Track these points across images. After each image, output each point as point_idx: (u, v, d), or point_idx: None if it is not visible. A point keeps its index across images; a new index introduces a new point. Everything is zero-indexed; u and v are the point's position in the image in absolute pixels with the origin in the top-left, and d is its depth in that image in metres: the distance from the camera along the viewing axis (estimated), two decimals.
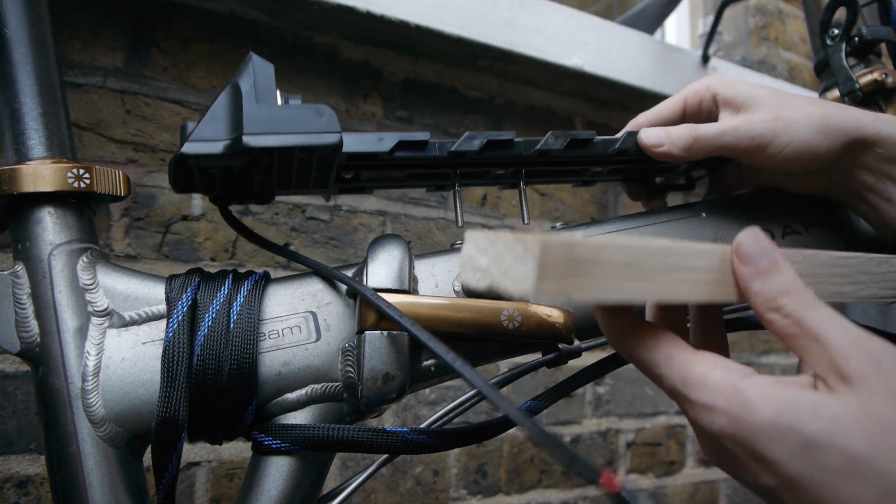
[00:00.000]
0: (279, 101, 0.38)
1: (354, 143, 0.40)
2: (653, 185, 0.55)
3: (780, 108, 0.42)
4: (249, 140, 0.36)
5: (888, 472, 0.24)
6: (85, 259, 0.40)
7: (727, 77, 0.46)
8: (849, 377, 0.26)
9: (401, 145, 0.41)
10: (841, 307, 1.29)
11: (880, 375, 0.25)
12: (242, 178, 0.41)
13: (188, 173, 0.39)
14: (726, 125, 0.42)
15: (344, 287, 0.42)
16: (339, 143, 0.37)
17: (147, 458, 0.38)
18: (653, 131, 0.44)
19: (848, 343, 0.26)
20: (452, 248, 0.44)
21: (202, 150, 0.36)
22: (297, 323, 0.40)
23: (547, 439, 0.27)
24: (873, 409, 0.25)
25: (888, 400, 0.25)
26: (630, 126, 0.49)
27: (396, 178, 0.46)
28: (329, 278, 0.42)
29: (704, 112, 0.46)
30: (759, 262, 0.29)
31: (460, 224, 0.45)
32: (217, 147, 0.36)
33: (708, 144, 0.43)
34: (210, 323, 0.38)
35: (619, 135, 0.45)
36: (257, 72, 0.37)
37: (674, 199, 0.55)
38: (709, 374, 0.27)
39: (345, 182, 0.45)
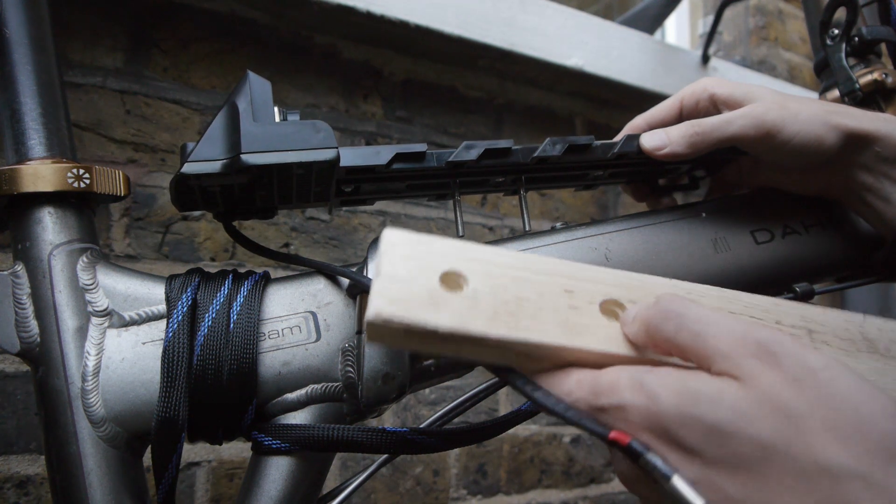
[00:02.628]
0: (277, 118, 0.38)
1: (352, 156, 0.40)
2: (657, 185, 0.55)
3: (784, 101, 0.42)
4: (248, 158, 0.36)
5: (800, 456, 0.23)
6: (85, 259, 0.40)
7: (723, 79, 0.46)
8: (741, 369, 0.26)
9: (398, 157, 0.41)
10: (840, 304, 1.29)
11: (774, 362, 0.25)
12: (243, 194, 0.41)
13: (189, 192, 0.39)
14: (734, 114, 0.42)
15: (344, 287, 0.42)
16: (337, 158, 0.38)
17: (147, 458, 0.38)
18: (654, 135, 0.44)
19: (739, 335, 0.26)
20: None
21: (201, 170, 0.37)
22: (297, 323, 0.40)
23: (554, 403, 0.28)
24: (774, 395, 0.25)
25: (787, 385, 0.25)
26: (628, 129, 0.49)
27: (396, 189, 0.46)
28: (332, 277, 0.42)
29: (702, 113, 0.46)
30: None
31: (461, 233, 0.45)
32: (216, 166, 0.37)
33: (715, 137, 0.42)
34: (210, 323, 0.38)
35: (617, 138, 0.45)
36: (254, 89, 0.38)
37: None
38: (616, 377, 0.28)
39: (345, 195, 0.46)
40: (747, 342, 0.26)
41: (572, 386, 0.29)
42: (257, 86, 0.38)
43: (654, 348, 0.29)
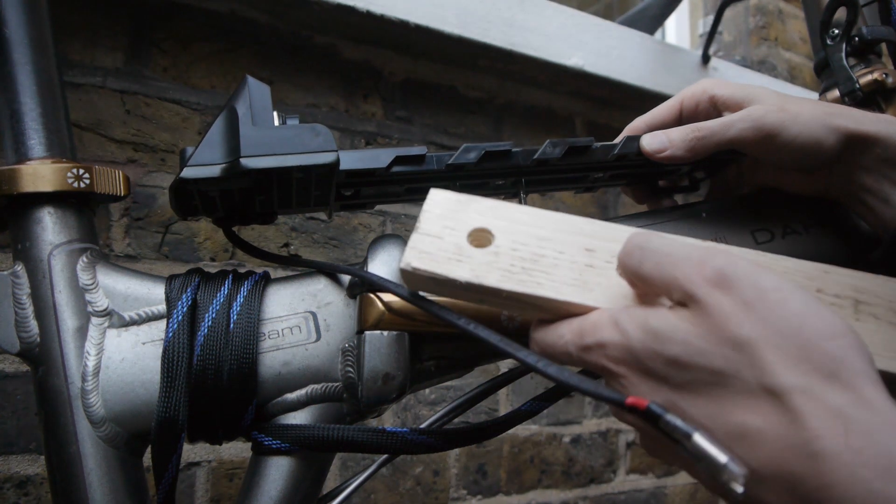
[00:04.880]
0: (276, 122, 0.38)
1: (351, 160, 0.40)
2: (657, 187, 0.55)
3: (784, 102, 0.42)
4: (247, 162, 0.36)
5: (750, 379, 0.26)
6: (85, 259, 0.40)
7: (722, 80, 0.46)
8: (695, 297, 0.27)
9: (398, 160, 0.41)
10: None
11: (728, 286, 0.27)
12: (243, 199, 0.41)
13: (189, 198, 0.39)
14: (734, 117, 0.42)
15: (344, 287, 0.42)
16: (336, 162, 0.38)
17: (147, 458, 0.38)
18: (654, 136, 0.44)
19: (696, 262, 0.28)
20: None
21: (201, 175, 0.37)
22: (297, 323, 0.40)
23: (568, 376, 0.29)
24: (724, 323, 0.26)
25: (738, 310, 0.26)
26: (628, 130, 0.49)
27: (396, 192, 0.46)
28: (332, 277, 0.42)
29: (702, 115, 0.46)
30: None
31: None
32: (215, 171, 0.37)
33: (715, 140, 0.42)
34: (210, 323, 0.38)
35: (617, 140, 0.45)
36: (253, 94, 0.38)
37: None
38: (598, 318, 0.31)
39: (345, 199, 0.45)
40: (704, 269, 0.28)
41: (564, 330, 0.31)
42: (256, 90, 0.38)
43: (633, 287, 0.31)
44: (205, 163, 0.37)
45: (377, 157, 0.41)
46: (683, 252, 0.29)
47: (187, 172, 0.36)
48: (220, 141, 0.37)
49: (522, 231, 0.33)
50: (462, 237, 0.33)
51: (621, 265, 0.31)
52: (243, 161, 0.36)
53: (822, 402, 0.24)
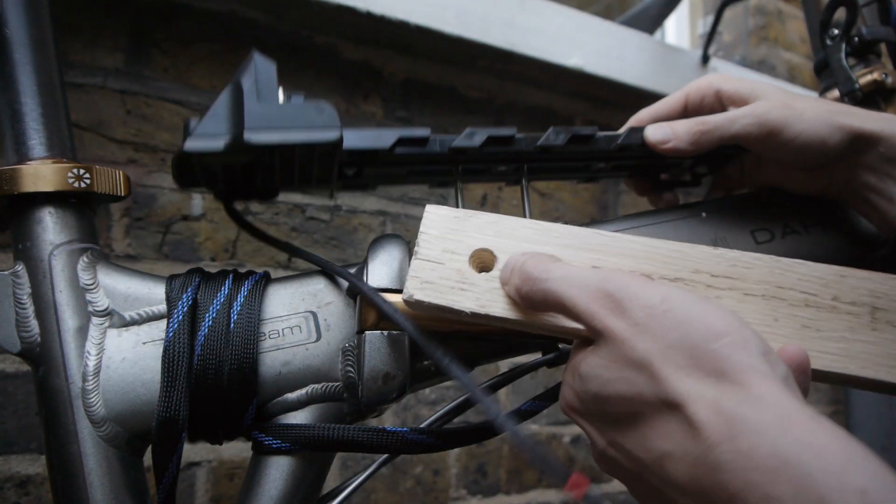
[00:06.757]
0: (281, 99, 0.38)
1: (355, 139, 0.40)
2: (659, 181, 0.55)
3: (789, 99, 0.42)
4: (250, 137, 0.36)
5: (656, 398, 0.26)
6: (85, 259, 0.40)
7: (729, 75, 0.46)
8: (597, 330, 0.28)
9: (401, 141, 0.41)
10: None
11: (621, 309, 0.27)
12: (245, 174, 0.41)
13: (191, 170, 0.39)
14: (738, 112, 0.42)
15: (345, 287, 0.42)
16: (340, 140, 0.37)
17: (147, 458, 0.38)
18: (658, 128, 0.44)
19: (592, 290, 0.28)
20: None
21: (204, 147, 0.36)
22: (298, 323, 0.41)
23: (521, 442, 0.28)
24: (622, 348, 0.27)
25: (633, 332, 0.27)
26: (632, 122, 0.49)
27: (399, 174, 0.46)
28: (331, 275, 0.42)
29: (706, 109, 0.46)
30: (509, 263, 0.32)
31: None
32: (218, 144, 0.36)
33: (718, 135, 0.42)
34: (210, 323, 0.38)
35: (621, 130, 0.45)
36: (259, 70, 0.38)
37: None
38: (570, 366, 0.32)
39: (347, 179, 0.45)
40: (599, 296, 0.28)
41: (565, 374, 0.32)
42: (262, 66, 0.38)
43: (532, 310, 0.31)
44: (209, 135, 0.36)
45: (381, 137, 0.41)
46: (579, 281, 0.29)
47: (190, 144, 0.36)
48: (224, 114, 0.37)
49: (526, 250, 0.32)
50: (464, 261, 0.32)
51: (520, 295, 0.31)
52: (247, 135, 0.36)
53: (714, 406, 0.24)
